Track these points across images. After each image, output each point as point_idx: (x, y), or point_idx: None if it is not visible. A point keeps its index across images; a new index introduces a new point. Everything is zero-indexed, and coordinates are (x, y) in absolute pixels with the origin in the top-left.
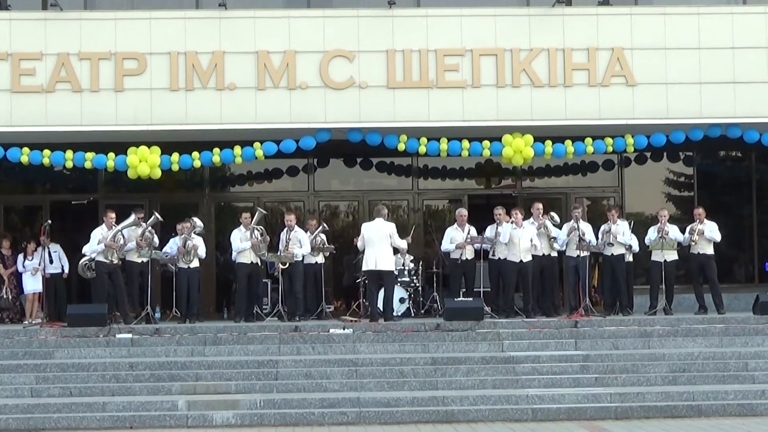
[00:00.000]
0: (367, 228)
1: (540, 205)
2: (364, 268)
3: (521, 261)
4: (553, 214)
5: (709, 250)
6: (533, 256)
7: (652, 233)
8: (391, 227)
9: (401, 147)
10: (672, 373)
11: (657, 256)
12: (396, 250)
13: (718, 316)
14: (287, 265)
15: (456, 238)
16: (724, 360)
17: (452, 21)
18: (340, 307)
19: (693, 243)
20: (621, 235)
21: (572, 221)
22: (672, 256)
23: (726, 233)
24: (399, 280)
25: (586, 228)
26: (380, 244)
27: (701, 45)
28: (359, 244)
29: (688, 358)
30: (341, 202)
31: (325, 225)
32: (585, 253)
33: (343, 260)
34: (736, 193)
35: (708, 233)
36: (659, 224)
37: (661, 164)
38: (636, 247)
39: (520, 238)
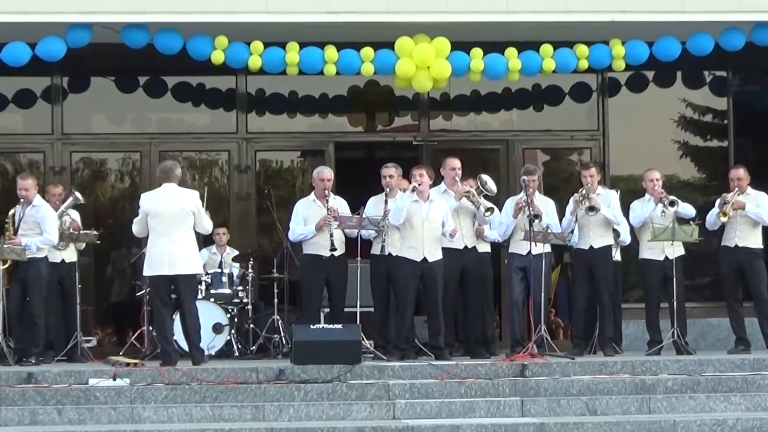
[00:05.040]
0: (150, 200)
1: (456, 164)
2: (148, 271)
3: (425, 259)
4: (485, 178)
5: (755, 242)
6: (447, 250)
7: (639, 207)
8: (193, 198)
9: (217, 58)
10: None
11: (651, 252)
12: (209, 238)
13: None
14: (8, 264)
15: (313, 218)
16: None
17: None
18: (109, 341)
19: (723, 218)
20: (606, 206)
21: (521, 193)
22: (676, 249)
23: None
24: (213, 291)
25: (543, 204)
26: (175, 229)
27: None
28: (136, 228)
29: (716, 429)
30: (111, 154)
31: (78, 195)
32: (542, 248)
33: (112, 257)
34: None
35: (752, 210)
36: (653, 193)
37: (671, 92)
38: (626, 236)
39: (425, 219)
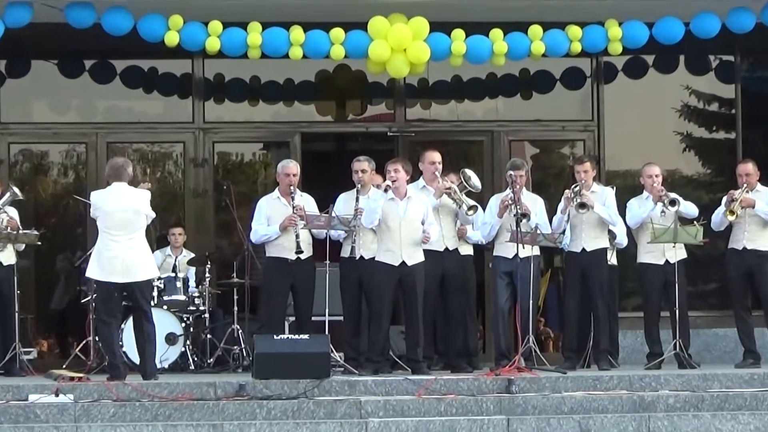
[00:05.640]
0: (101, 199)
1: (436, 158)
2: (98, 274)
3: (403, 263)
4: (469, 173)
5: (765, 244)
6: (426, 252)
7: (637, 206)
8: (143, 199)
9: (172, 40)
10: None
11: (650, 255)
12: (163, 239)
13: None
14: None
15: (277, 217)
16: None
17: None
18: (50, 353)
19: (730, 217)
20: (602, 205)
21: (507, 190)
22: (678, 252)
23: None
24: (166, 298)
25: (531, 202)
26: (127, 232)
27: None
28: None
29: None
30: (54, 146)
31: (17, 190)
32: (530, 250)
33: (56, 260)
34: None
35: (762, 208)
36: (652, 191)
37: (672, 79)
38: (623, 238)
39: (402, 219)
